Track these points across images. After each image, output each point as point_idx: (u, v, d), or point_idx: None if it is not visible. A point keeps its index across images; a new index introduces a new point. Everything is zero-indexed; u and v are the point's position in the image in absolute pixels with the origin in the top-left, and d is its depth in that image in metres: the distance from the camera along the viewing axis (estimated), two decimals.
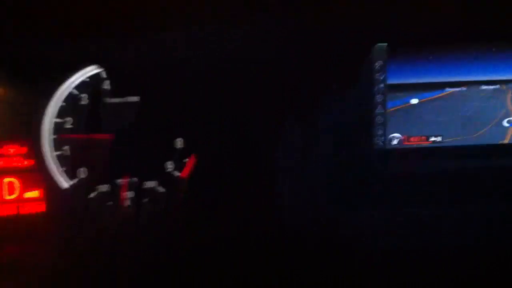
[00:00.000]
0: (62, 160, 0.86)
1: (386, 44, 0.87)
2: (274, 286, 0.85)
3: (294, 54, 0.87)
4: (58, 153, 0.86)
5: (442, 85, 0.88)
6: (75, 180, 0.87)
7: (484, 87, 0.89)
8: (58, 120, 0.86)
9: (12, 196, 0.86)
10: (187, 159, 0.89)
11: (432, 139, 0.90)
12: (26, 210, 0.87)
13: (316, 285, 0.85)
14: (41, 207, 0.88)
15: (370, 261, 0.87)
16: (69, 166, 0.87)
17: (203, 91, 0.88)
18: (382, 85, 0.88)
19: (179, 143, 0.88)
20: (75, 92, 0.86)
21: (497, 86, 0.89)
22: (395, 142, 0.91)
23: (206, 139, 0.88)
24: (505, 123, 0.90)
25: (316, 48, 0.87)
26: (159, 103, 0.86)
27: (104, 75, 0.85)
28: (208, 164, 0.89)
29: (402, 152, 0.91)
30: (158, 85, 0.86)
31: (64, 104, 0.86)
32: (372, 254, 0.87)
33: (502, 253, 0.87)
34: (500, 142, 0.90)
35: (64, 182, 0.87)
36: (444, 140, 0.90)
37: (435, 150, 0.90)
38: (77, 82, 0.86)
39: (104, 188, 0.87)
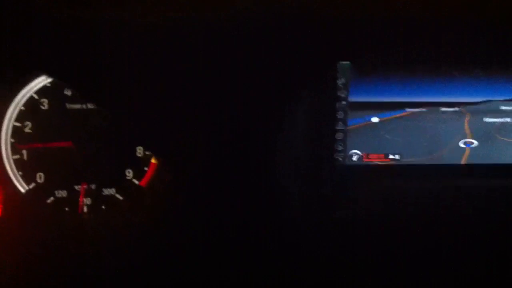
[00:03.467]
0: (19, 164, 0.86)
1: (349, 62, 0.88)
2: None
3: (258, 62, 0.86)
4: (15, 157, 0.86)
5: (402, 105, 0.90)
6: (32, 185, 0.86)
7: (443, 109, 0.90)
8: (17, 124, 0.85)
9: None
10: (147, 167, 0.89)
11: (391, 157, 0.91)
12: None
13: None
14: None
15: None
16: (26, 170, 0.86)
17: (167, 98, 0.87)
18: (344, 102, 0.89)
19: (140, 150, 0.88)
20: (36, 96, 0.85)
21: (456, 109, 0.90)
22: (355, 158, 0.92)
23: (169, 148, 0.88)
24: (461, 144, 0.92)
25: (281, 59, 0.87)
26: (119, 110, 0.86)
27: (64, 80, 0.85)
28: (174, 172, 0.89)
29: (361, 169, 0.92)
30: (118, 91, 0.86)
31: (23, 108, 0.85)
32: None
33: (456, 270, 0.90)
34: (457, 162, 0.92)
35: (21, 187, 0.86)
36: (403, 159, 0.92)
37: (394, 167, 0.92)
38: (38, 87, 0.85)
39: (61, 193, 0.87)
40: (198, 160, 0.87)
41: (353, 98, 0.89)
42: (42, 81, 0.85)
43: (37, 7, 0.83)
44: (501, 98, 0.91)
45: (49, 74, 0.84)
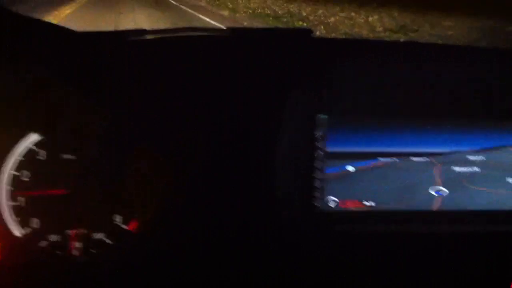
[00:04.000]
0: (15, 209, 0.92)
1: (327, 116, 0.94)
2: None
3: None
4: (13, 203, 0.92)
5: (375, 155, 0.96)
6: (27, 230, 0.92)
7: (413, 158, 0.96)
8: (15, 173, 0.91)
9: None
10: (135, 212, 0.94)
11: (366, 204, 0.97)
12: None
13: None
14: None
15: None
16: (23, 215, 0.92)
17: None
18: (321, 153, 0.95)
19: (127, 196, 0.94)
20: (34, 148, 0.92)
21: (426, 159, 0.96)
22: (332, 205, 0.97)
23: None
24: (432, 192, 0.97)
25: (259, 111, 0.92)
26: (106, 159, 0.92)
27: (59, 133, 0.91)
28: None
29: (338, 215, 0.97)
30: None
31: (22, 158, 0.91)
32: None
33: None
34: (428, 209, 0.97)
35: (17, 231, 0.92)
36: (377, 206, 0.97)
37: (369, 213, 0.97)
38: (36, 139, 0.92)
39: (54, 238, 0.93)
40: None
41: (330, 149, 0.95)
42: (40, 133, 0.92)
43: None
44: (468, 149, 0.97)
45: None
